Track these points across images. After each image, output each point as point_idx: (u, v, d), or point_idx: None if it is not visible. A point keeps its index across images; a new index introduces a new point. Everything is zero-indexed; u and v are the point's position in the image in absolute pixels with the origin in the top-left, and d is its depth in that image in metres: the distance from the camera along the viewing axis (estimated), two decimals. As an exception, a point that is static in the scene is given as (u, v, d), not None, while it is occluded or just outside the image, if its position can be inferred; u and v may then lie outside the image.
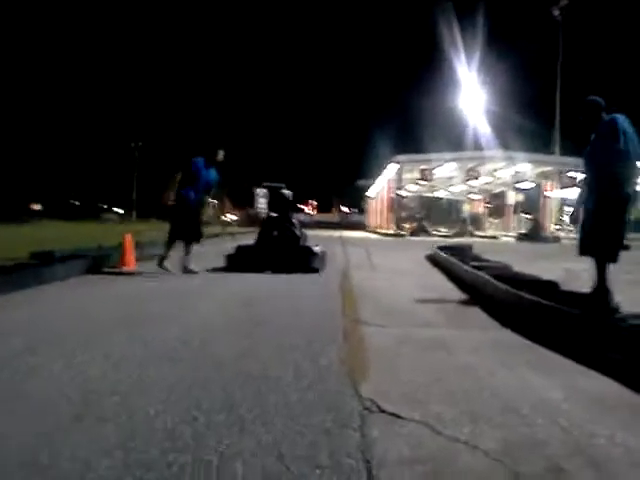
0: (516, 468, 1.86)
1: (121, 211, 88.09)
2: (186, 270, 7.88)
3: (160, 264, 7.88)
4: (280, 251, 8.82)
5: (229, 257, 8.94)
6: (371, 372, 3.05)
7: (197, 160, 8.11)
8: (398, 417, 2.34)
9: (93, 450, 2.00)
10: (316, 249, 9.06)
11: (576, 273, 7.34)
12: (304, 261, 8.64)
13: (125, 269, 8.61)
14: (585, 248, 4.66)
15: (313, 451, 2.01)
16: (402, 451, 2.00)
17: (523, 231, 28.17)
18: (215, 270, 8.53)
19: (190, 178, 7.97)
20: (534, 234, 24.72)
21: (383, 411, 2.42)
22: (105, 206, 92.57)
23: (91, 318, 4.52)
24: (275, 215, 9.61)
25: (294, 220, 9.64)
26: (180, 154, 8.03)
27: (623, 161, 4.34)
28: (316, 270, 8.49)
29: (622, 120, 4.45)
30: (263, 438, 2.12)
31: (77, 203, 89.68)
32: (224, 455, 1.97)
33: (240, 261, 8.78)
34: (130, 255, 9.01)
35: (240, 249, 9.17)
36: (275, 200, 10.01)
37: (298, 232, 9.35)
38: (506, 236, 30.78)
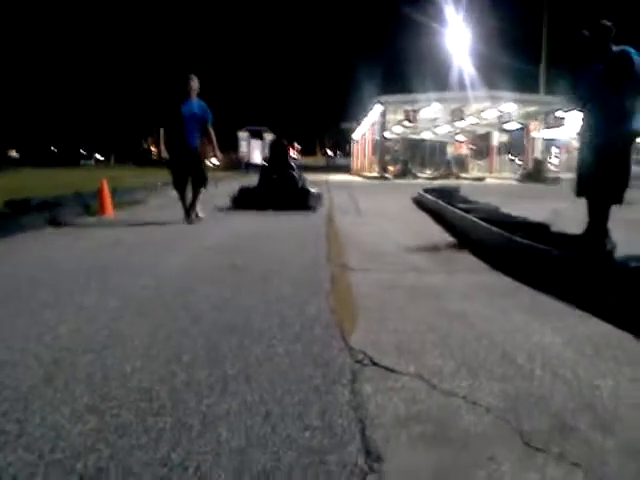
0: (520, 426, 1.73)
1: (101, 157, 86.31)
2: (192, 219, 7.44)
3: (188, 218, 7.41)
4: (280, 191, 9.61)
5: (234, 198, 9.85)
6: (361, 321, 2.90)
7: (173, 100, 7.49)
8: (391, 371, 2.20)
9: (64, 415, 1.84)
10: (313, 190, 9.97)
11: (564, 214, 7.23)
12: (302, 200, 9.43)
13: (104, 217, 8.36)
14: (583, 189, 4.48)
15: (302, 410, 1.87)
16: (398, 409, 1.86)
17: (524, 172, 28.30)
18: (221, 210, 9.21)
19: (174, 123, 7.37)
20: (537, 175, 24.90)
21: (375, 364, 2.27)
22: (84, 152, 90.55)
23: (62, 269, 4.30)
24: (274, 160, 10.46)
25: (293, 164, 10.53)
26: (159, 98, 7.47)
27: (634, 96, 4.12)
28: (313, 208, 9.36)
29: (634, 53, 4.18)
30: (248, 397, 1.97)
31: (55, 150, 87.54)
32: (206, 417, 1.82)
33: (243, 201, 9.65)
34: (107, 202, 8.72)
35: (242, 191, 9.99)
36: (275, 147, 10.97)
37: (297, 175, 10.13)
38: (494, 178, 30.66)
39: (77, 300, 3.31)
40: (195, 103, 7.48)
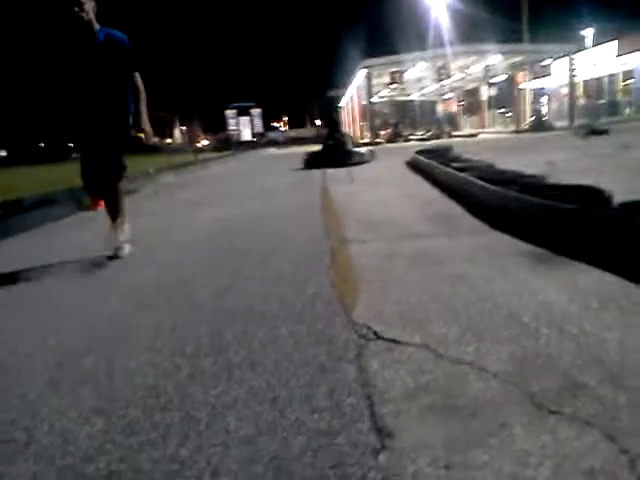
0: (530, 389, 1.71)
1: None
2: (119, 244, 4.51)
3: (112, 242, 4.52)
4: (334, 154, 13.21)
5: (305, 160, 13.86)
6: (362, 294, 2.88)
7: (60, 38, 4.40)
8: (397, 342, 2.18)
9: (71, 419, 1.83)
10: (359, 150, 14.39)
11: (557, 164, 7.17)
12: (350, 159, 13.06)
13: (99, 209, 8.27)
14: None
15: (309, 392, 1.85)
16: (405, 382, 1.84)
17: (527, 126, 29.90)
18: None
19: (69, 74, 4.39)
20: (538, 126, 26.99)
21: (380, 337, 2.25)
22: (72, 145, 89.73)
23: (58, 267, 4.26)
24: (330, 131, 14.30)
25: (343, 132, 14.82)
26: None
27: None
28: (359, 163, 12.99)
29: None
30: (254, 383, 1.96)
31: (43, 145, 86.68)
32: (214, 408, 1.81)
33: (311, 163, 13.49)
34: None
35: (310, 155, 14.06)
36: (329, 121, 15.37)
37: (345, 140, 14.06)
38: (487, 133, 30.46)
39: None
40: (101, 34, 4.30)
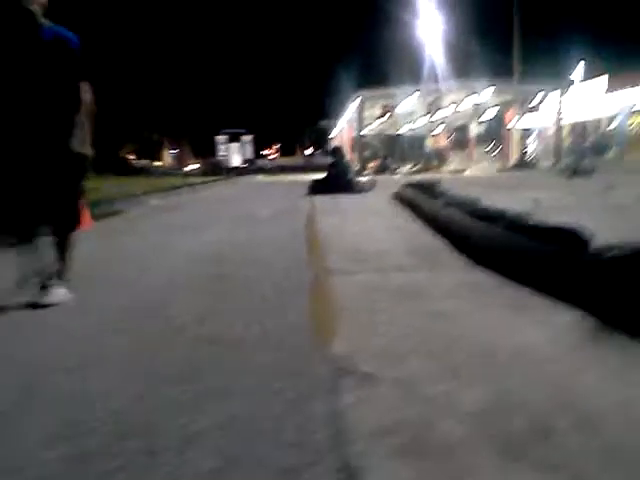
0: (500, 431, 1.68)
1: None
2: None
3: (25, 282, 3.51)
4: (337, 182, 13.94)
5: (310, 187, 14.59)
6: (342, 326, 2.84)
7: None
8: (372, 378, 2.14)
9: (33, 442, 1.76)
10: (361, 180, 15.67)
11: (541, 203, 7.23)
12: (352, 187, 13.81)
13: (82, 229, 8.21)
14: None
15: (278, 426, 1.80)
16: (377, 419, 1.80)
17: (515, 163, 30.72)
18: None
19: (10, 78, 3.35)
20: (522, 164, 28.66)
21: (355, 372, 2.22)
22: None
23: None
24: (335, 160, 15.13)
25: (346, 162, 15.41)
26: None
27: None
28: (360, 192, 13.58)
29: None
30: (223, 414, 1.91)
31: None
32: (180, 439, 1.75)
33: (316, 189, 14.14)
34: (84, 215, 8.56)
35: (315, 182, 14.84)
36: (334, 152, 15.77)
37: (348, 170, 14.84)
38: (474, 169, 30.84)
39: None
40: (48, 31, 3.44)
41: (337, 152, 15.74)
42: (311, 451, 1.63)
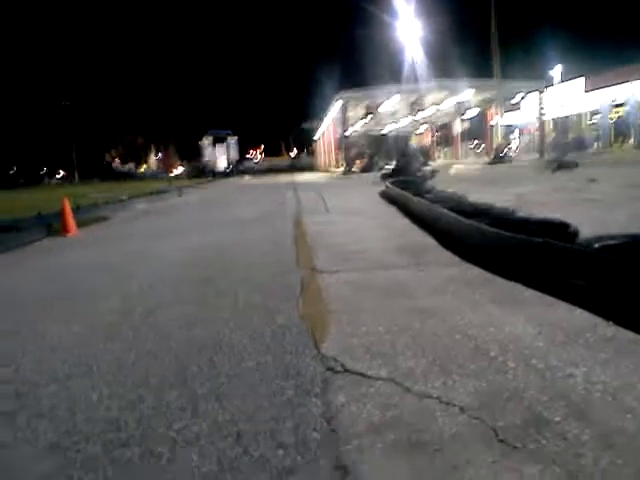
0: (494, 423, 1.71)
1: (63, 174, 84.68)
2: None
3: None
4: (405, 169, 17.98)
5: (382, 175, 17.96)
6: (331, 326, 2.86)
7: None
8: (364, 376, 2.16)
9: (26, 453, 1.76)
10: (425, 169, 19.56)
11: (526, 197, 7.29)
12: (416, 174, 16.45)
13: (68, 235, 8.16)
14: None
15: (275, 427, 1.82)
16: (371, 417, 1.82)
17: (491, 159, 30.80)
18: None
19: None
20: (498, 159, 28.66)
21: (347, 370, 2.23)
22: (45, 170, 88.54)
23: (21, 296, 4.17)
24: (400, 154, 20.00)
25: (412, 154, 20.32)
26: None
27: None
28: (425, 180, 14.53)
29: None
30: (219, 417, 1.92)
31: (13, 171, 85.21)
32: (176, 443, 1.76)
33: (386, 175, 17.28)
34: (70, 221, 8.52)
35: (383, 174, 18.26)
36: (401, 147, 21.12)
37: (413, 160, 19.05)
38: (460, 164, 31.03)
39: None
40: None
41: (403, 149, 20.52)
42: (309, 450, 1.65)
